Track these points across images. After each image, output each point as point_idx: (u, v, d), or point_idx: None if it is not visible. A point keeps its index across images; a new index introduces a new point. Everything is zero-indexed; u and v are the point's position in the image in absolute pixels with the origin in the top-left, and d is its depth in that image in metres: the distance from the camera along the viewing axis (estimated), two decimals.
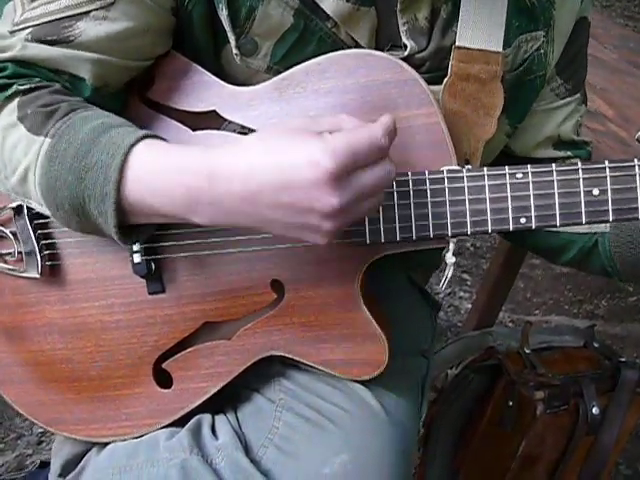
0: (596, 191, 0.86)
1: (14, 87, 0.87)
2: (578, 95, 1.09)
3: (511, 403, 1.44)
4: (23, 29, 0.88)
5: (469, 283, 2.24)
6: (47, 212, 0.88)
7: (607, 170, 0.85)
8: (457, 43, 0.94)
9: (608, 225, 1.01)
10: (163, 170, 0.82)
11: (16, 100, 0.87)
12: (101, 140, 0.82)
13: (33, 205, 0.90)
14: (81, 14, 0.88)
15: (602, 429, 1.45)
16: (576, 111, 1.09)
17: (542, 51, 1.00)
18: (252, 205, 0.79)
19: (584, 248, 1.05)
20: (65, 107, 0.86)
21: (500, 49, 0.94)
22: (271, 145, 0.79)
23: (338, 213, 0.77)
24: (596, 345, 1.57)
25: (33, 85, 0.87)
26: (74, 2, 0.87)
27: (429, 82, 0.90)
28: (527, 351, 1.51)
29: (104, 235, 0.87)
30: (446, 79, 0.94)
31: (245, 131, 0.94)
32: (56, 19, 0.88)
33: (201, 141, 0.94)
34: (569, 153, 1.09)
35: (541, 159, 1.08)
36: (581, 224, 0.87)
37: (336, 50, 0.91)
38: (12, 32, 0.88)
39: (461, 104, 0.94)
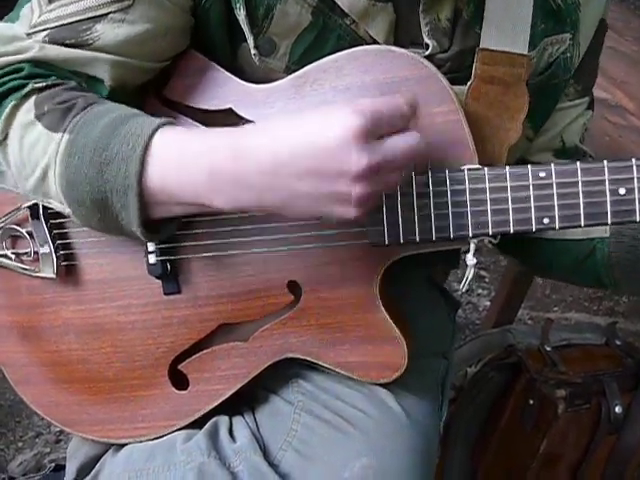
0: (622, 190, 0.83)
1: (30, 85, 0.86)
2: (587, 98, 1.07)
3: (532, 401, 1.43)
4: (40, 31, 0.87)
5: (487, 280, 2.23)
6: (67, 211, 0.87)
7: (634, 168, 0.83)
8: (481, 45, 0.92)
9: (608, 230, 0.98)
10: (184, 155, 0.80)
11: (32, 98, 0.86)
12: (120, 131, 0.81)
13: (53, 205, 0.88)
14: (99, 16, 0.86)
15: (625, 428, 1.44)
16: (582, 115, 1.07)
17: (568, 54, 0.98)
18: (279, 177, 0.77)
19: (580, 255, 1.01)
20: (82, 102, 0.84)
21: (525, 51, 0.93)
22: (298, 117, 0.78)
23: (368, 174, 0.75)
24: (618, 343, 1.55)
25: (49, 82, 0.86)
26: (92, 4, 0.86)
27: (450, 82, 0.88)
28: (548, 348, 1.50)
29: (125, 233, 0.85)
30: (470, 82, 0.92)
31: None
32: (74, 21, 0.87)
33: None
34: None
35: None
36: (607, 224, 0.85)
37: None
38: (29, 34, 0.87)
39: (485, 107, 0.92)
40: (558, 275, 1.11)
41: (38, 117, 0.85)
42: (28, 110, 0.86)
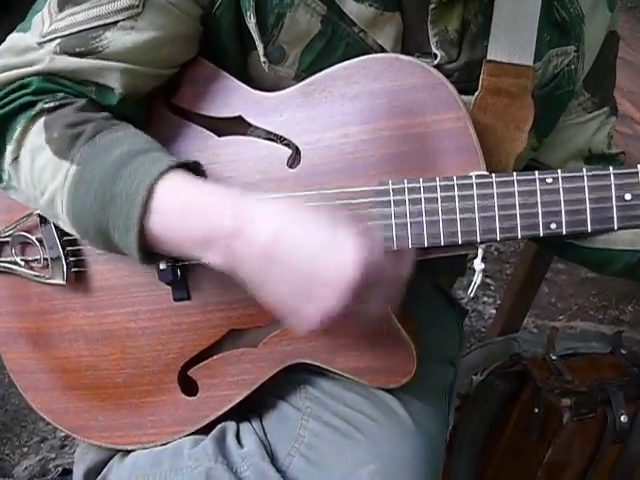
0: (628, 196, 0.84)
1: (39, 105, 0.87)
2: (606, 108, 1.07)
3: (537, 410, 1.43)
4: (51, 40, 0.88)
5: (492, 288, 2.23)
6: (75, 234, 0.89)
7: None
8: (488, 57, 0.93)
9: None
10: (187, 211, 0.81)
11: (42, 119, 0.87)
12: (127, 169, 0.82)
13: (61, 225, 0.90)
14: (109, 24, 0.87)
15: (631, 437, 1.44)
16: (605, 124, 1.07)
17: (572, 66, 0.99)
18: (267, 262, 0.78)
19: (629, 263, 1.04)
20: (91, 129, 0.85)
21: (531, 63, 0.93)
22: (317, 216, 0.79)
23: (328, 318, 0.77)
24: (623, 352, 1.55)
25: (58, 103, 0.87)
26: (102, 12, 0.87)
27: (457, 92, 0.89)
28: (553, 357, 1.50)
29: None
30: (476, 93, 0.93)
31: (271, 136, 0.93)
32: (84, 29, 0.87)
33: (227, 146, 0.93)
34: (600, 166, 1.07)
35: None
36: (613, 230, 0.86)
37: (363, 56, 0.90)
38: (40, 43, 0.88)
39: (491, 118, 0.93)
40: (615, 275, 1.13)
41: (48, 141, 0.86)
42: (38, 132, 0.87)
